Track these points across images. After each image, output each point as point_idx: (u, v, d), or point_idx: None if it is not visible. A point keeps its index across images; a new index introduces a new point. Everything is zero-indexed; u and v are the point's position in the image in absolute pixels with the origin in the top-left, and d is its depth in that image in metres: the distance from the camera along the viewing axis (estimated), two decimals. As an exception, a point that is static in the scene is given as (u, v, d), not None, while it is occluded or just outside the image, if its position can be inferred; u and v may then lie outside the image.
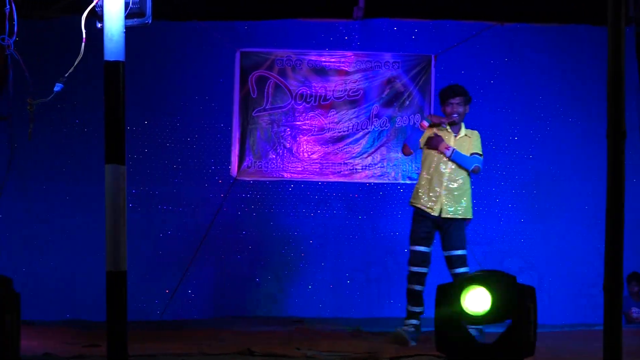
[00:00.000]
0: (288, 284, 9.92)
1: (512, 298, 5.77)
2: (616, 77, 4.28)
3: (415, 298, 7.50)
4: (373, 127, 9.85)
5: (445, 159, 7.56)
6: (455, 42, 10.10)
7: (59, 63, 6.55)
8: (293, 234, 9.95)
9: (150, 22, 5.19)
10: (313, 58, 10.06)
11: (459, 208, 7.58)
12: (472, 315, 5.78)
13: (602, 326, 4.31)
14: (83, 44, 5.14)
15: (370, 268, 9.90)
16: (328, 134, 10.00)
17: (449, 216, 7.54)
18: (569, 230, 9.99)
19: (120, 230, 4.77)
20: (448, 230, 7.56)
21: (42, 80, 6.29)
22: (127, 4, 4.97)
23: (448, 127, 7.68)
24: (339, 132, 10.01)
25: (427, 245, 7.61)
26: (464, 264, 7.52)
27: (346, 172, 9.80)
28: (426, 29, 10.20)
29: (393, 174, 9.97)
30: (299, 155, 9.97)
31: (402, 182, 9.99)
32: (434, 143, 7.56)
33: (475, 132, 7.82)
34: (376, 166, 9.95)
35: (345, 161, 9.79)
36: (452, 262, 7.53)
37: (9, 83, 6.01)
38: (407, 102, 9.99)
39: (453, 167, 7.58)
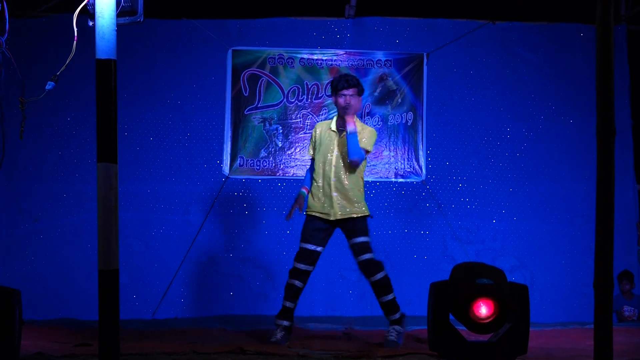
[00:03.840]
0: (280, 283, 9.88)
1: (515, 305, 5.80)
2: (605, 75, 4.29)
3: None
4: (365, 125, 9.85)
5: (332, 162, 7.14)
6: (447, 41, 10.10)
7: (51, 61, 6.56)
8: (285, 233, 9.93)
9: (142, 20, 5.18)
10: (305, 56, 10.06)
11: (355, 208, 7.16)
12: (479, 324, 5.80)
13: (594, 324, 4.32)
14: (75, 42, 5.12)
15: (362, 266, 9.90)
16: (320, 132, 10.00)
17: (345, 217, 7.15)
18: (561, 229, 10.01)
19: (112, 229, 4.76)
20: (347, 225, 7.17)
21: (33, 78, 6.28)
22: (118, 2, 4.96)
23: (333, 125, 7.22)
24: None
25: (318, 244, 7.26)
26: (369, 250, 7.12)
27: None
28: (418, 28, 10.21)
29: (385, 172, 9.97)
30: (292, 153, 9.97)
31: (394, 180, 9.99)
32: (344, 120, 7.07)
33: (371, 129, 7.30)
34: (368, 164, 9.94)
35: (338, 160, 9.77)
36: (358, 249, 7.12)
37: (0, 82, 5.99)
38: (400, 101, 9.99)
39: (340, 168, 7.15)
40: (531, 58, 10.21)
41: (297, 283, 7.20)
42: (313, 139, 7.37)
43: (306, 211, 7.32)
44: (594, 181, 4.36)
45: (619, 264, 9.46)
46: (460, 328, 5.89)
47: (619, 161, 9.45)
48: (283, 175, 9.98)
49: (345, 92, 7.13)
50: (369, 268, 7.14)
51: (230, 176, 9.92)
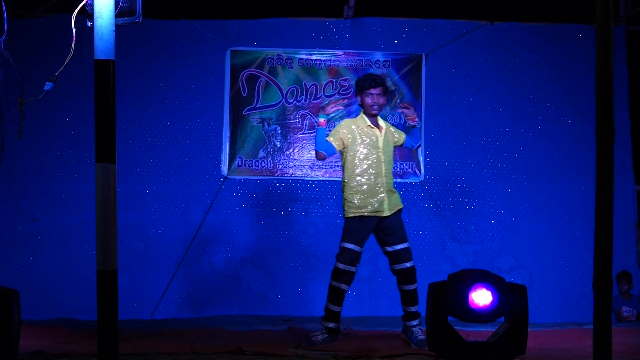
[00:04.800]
0: (279, 283, 9.91)
1: (514, 305, 5.81)
2: (604, 75, 4.29)
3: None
4: (364, 125, 9.84)
5: (380, 155, 7.19)
6: (446, 41, 10.10)
7: (49, 62, 6.55)
8: (284, 233, 9.94)
9: (140, 20, 5.19)
10: (303, 57, 10.06)
11: (399, 200, 7.30)
12: (477, 313, 5.81)
13: (593, 325, 4.32)
14: (73, 42, 5.12)
15: (361, 267, 9.79)
16: (319, 133, 10.00)
17: (394, 211, 7.21)
18: (560, 229, 10.02)
19: (111, 229, 4.76)
20: (391, 223, 7.20)
21: (32, 79, 6.29)
22: (117, 3, 4.97)
23: (369, 122, 7.24)
24: (330, 130, 10.00)
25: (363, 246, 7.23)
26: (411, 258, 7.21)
27: (337, 171, 9.78)
28: (417, 28, 10.21)
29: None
30: (290, 153, 9.97)
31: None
32: (407, 110, 7.28)
33: (389, 124, 7.53)
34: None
35: (336, 160, 9.77)
36: (401, 256, 7.19)
37: (-1, 82, 6.00)
38: (398, 101, 9.99)
39: (388, 163, 7.27)
40: (530, 58, 10.21)
41: (345, 286, 7.19)
42: (341, 133, 7.28)
43: (352, 214, 7.16)
44: (593, 181, 4.36)
45: (618, 265, 9.45)
46: (459, 329, 5.90)
47: (618, 162, 9.45)
48: (281, 176, 9.98)
49: (373, 90, 7.20)
50: (413, 276, 7.18)
51: (229, 176, 9.92)
